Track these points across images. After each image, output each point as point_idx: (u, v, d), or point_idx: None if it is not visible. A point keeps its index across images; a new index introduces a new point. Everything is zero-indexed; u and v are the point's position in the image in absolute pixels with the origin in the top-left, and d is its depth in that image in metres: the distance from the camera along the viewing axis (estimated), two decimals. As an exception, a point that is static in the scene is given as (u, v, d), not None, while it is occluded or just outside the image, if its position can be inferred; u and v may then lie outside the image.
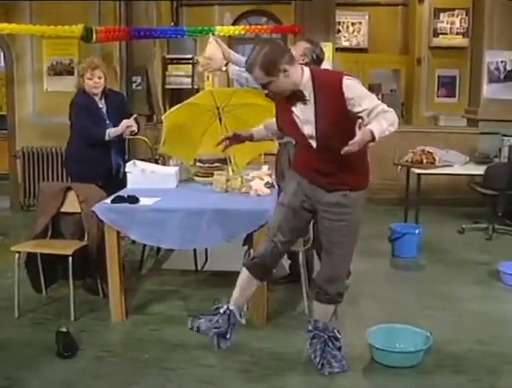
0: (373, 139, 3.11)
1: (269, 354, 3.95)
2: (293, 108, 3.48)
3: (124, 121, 5.16)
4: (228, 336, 3.67)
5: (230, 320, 3.69)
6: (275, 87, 3.39)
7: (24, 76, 8.57)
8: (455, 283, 5.51)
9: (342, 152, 3.15)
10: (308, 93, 3.41)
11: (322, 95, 3.37)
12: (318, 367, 3.72)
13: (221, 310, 3.71)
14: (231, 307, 3.72)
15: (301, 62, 4.92)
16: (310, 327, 3.80)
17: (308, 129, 3.46)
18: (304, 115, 3.45)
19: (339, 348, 3.78)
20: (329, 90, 3.35)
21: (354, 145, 3.11)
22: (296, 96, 3.43)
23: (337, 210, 3.57)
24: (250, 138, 4.02)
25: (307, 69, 3.46)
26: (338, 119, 3.34)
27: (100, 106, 5.26)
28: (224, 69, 5.04)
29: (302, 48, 4.95)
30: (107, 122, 5.19)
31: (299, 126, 3.49)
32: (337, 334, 3.79)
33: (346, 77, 3.36)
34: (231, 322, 3.69)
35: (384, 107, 3.28)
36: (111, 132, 5.11)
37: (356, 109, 3.29)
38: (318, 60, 5.00)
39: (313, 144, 3.48)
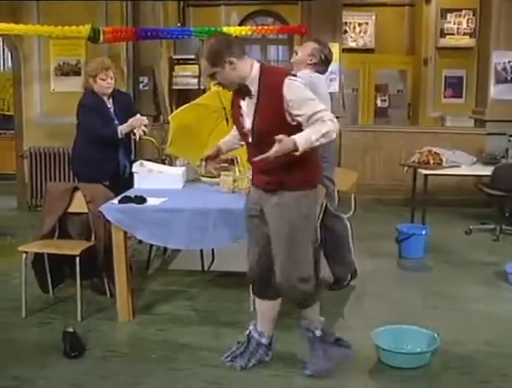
0: (296, 149, 3.13)
1: (275, 354, 3.93)
2: (241, 102, 3.49)
3: (136, 117, 5.19)
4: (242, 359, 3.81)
5: (249, 345, 3.82)
6: (221, 78, 3.40)
7: (31, 76, 8.59)
8: (462, 284, 5.49)
9: (255, 159, 3.21)
10: (254, 88, 3.39)
11: (266, 92, 3.35)
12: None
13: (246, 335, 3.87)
14: (252, 332, 3.85)
15: (309, 63, 4.95)
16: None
17: (247, 123, 3.46)
18: (248, 110, 3.45)
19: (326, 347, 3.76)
20: (272, 88, 3.32)
21: (269, 154, 3.14)
22: (243, 90, 3.43)
23: (277, 211, 3.48)
24: (219, 152, 3.90)
25: (257, 65, 3.41)
26: (275, 118, 3.32)
27: (109, 106, 5.28)
28: None
29: (310, 49, 4.95)
30: (116, 122, 5.21)
31: (242, 120, 3.50)
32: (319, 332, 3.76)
33: (289, 77, 3.32)
34: (249, 348, 3.81)
35: (325, 115, 3.22)
36: (123, 129, 5.13)
37: (294, 112, 3.27)
38: (326, 60, 5.00)
39: (250, 139, 3.48)
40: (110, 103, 5.30)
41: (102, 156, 5.19)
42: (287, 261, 3.51)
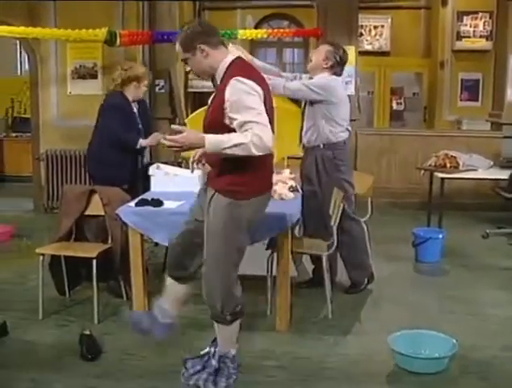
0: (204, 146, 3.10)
1: (293, 359, 3.93)
2: (213, 94, 3.45)
3: (155, 134, 5.31)
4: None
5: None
6: (192, 65, 3.39)
7: (48, 79, 8.63)
8: (479, 288, 5.46)
9: (160, 139, 3.20)
10: (219, 81, 3.34)
11: (220, 88, 3.28)
12: None
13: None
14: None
15: (325, 66, 4.95)
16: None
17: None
18: (209, 103, 3.43)
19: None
20: (223, 86, 3.24)
21: (170, 140, 3.11)
22: (212, 82, 3.42)
23: (210, 208, 3.36)
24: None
25: (229, 59, 3.34)
26: (217, 116, 3.25)
27: (134, 110, 5.33)
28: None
29: (324, 52, 4.95)
30: (139, 126, 5.27)
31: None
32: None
33: (237, 78, 3.18)
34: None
35: (256, 130, 3.05)
36: (142, 143, 5.21)
37: (230, 114, 3.17)
38: (342, 61, 5.00)
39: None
40: (135, 108, 5.36)
41: (121, 159, 5.21)
42: (206, 262, 3.45)
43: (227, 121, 3.19)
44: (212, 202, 3.34)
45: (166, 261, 3.84)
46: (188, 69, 3.48)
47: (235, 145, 3.05)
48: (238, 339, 3.60)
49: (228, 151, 3.07)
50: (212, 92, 3.48)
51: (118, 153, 5.20)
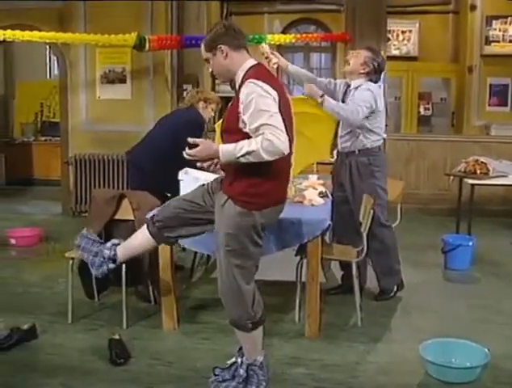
0: (218, 158, 3.14)
1: (323, 366, 3.90)
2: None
3: None
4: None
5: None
6: (212, 66, 3.40)
7: (77, 84, 8.71)
8: (510, 296, 5.38)
9: (186, 151, 3.18)
10: (238, 86, 3.33)
11: (238, 92, 3.26)
12: None
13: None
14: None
15: (362, 72, 4.90)
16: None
17: None
18: (228, 107, 3.41)
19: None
20: (240, 89, 3.23)
21: (190, 152, 3.17)
22: (231, 86, 3.42)
23: (222, 215, 3.32)
24: None
25: (249, 64, 3.33)
26: (233, 120, 3.24)
27: None
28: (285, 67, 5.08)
29: (363, 58, 4.89)
30: None
31: None
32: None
33: (251, 80, 3.16)
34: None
35: (267, 134, 3.02)
36: None
37: (243, 117, 3.14)
38: (379, 69, 4.95)
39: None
40: None
41: (179, 169, 5.14)
42: (218, 274, 3.45)
43: (241, 125, 3.17)
44: (225, 209, 3.30)
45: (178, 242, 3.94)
46: (210, 69, 3.48)
47: (247, 153, 3.05)
48: (264, 345, 3.56)
49: (242, 159, 3.08)
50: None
51: (181, 165, 5.14)
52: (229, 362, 3.66)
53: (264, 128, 3.04)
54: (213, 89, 9.73)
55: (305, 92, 4.72)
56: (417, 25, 12.09)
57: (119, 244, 3.78)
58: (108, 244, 3.80)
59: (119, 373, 3.85)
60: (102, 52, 8.46)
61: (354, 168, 4.96)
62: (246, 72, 3.30)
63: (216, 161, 3.25)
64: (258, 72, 3.27)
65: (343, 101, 4.94)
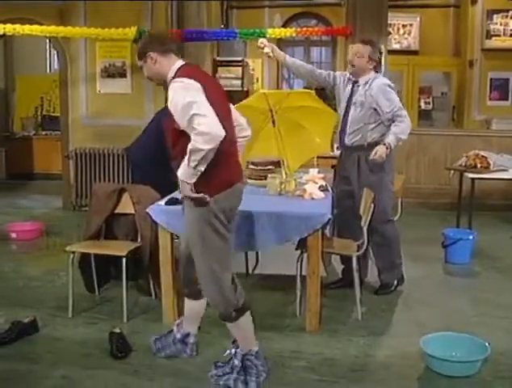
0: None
1: (323, 360, 3.91)
2: None
3: None
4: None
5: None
6: (146, 72, 3.58)
7: (78, 78, 8.70)
8: (510, 290, 5.38)
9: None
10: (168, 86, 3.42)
11: (167, 92, 3.38)
12: None
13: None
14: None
15: (370, 67, 4.91)
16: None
17: None
18: None
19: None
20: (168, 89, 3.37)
21: None
22: (164, 87, 3.50)
23: (186, 219, 3.53)
24: None
25: (177, 65, 3.47)
26: (170, 122, 3.34)
27: None
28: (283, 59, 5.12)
29: (367, 54, 4.88)
30: None
31: None
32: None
33: (174, 79, 3.33)
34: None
35: (196, 125, 3.10)
36: None
37: (175, 116, 3.26)
38: (379, 59, 5.00)
39: None
40: None
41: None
42: (197, 271, 3.54)
43: (176, 126, 3.27)
44: (185, 212, 3.48)
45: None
46: (145, 74, 3.62)
47: (191, 154, 3.13)
48: (257, 336, 3.65)
49: (196, 164, 3.15)
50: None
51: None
52: (226, 355, 3.71)
53: (193, 119, 3.12)
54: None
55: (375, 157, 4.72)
56: (418, 19, 12.06)
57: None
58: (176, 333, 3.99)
59: (121, 366, 3.86)
60: (103, 46, 8.44)
61: (363, 161, 4.95)
62: (175, 73, 3.42)
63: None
64: (184, 71, 3.40)
65: (351, 97, 4.94)
